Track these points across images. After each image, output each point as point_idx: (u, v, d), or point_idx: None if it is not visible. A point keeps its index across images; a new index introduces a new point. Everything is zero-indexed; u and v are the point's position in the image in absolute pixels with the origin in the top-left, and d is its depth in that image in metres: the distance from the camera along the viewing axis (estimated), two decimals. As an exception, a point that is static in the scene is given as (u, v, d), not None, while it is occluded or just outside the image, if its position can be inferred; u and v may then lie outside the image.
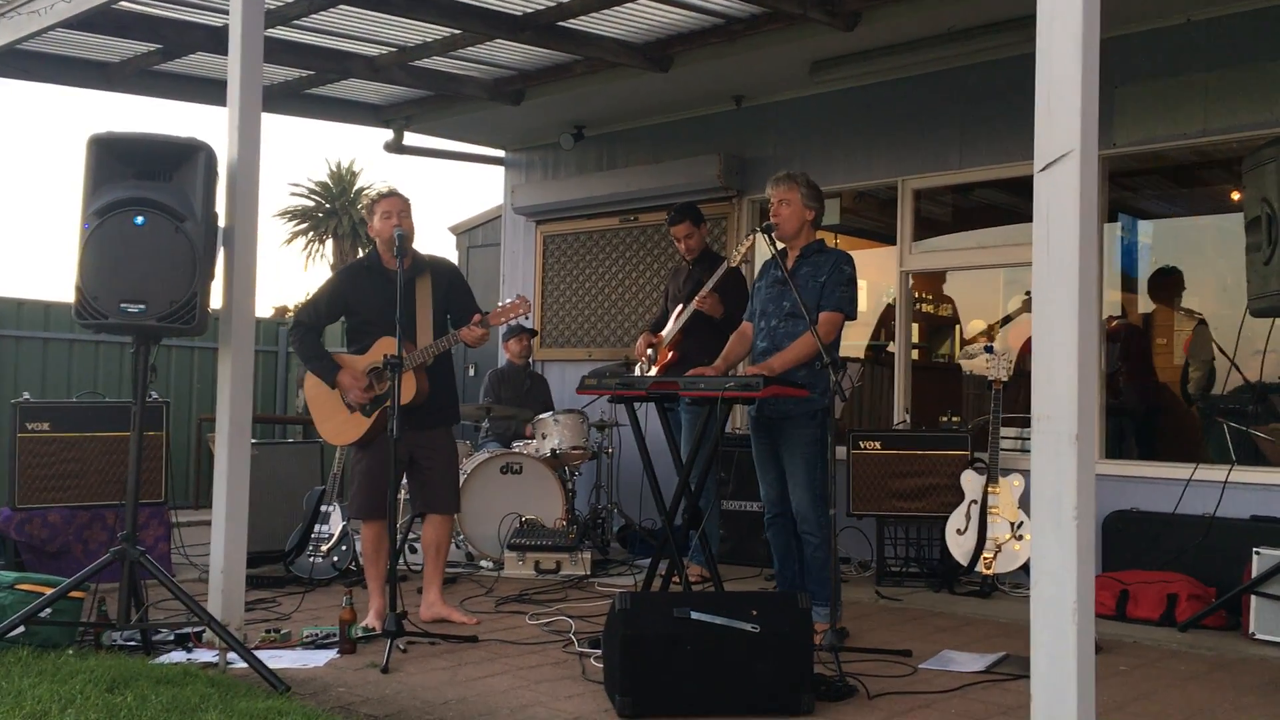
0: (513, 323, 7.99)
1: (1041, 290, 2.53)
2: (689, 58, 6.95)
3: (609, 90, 7.58)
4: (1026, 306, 7.81)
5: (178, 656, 4.28)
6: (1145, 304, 7.69)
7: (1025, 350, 7.11)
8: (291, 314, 5.07)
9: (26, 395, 6.23)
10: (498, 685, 4.00)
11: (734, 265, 5.91)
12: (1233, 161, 6.40)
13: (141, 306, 4.11)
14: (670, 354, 6.12)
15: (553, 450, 6.89)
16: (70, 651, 4.17)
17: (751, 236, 6.01)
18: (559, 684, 4.04)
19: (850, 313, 4.84)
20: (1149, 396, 7.14)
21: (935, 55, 6.56)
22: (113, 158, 4.23)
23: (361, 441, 5.02)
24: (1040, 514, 2.54)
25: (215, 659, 4.19)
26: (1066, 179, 2.44)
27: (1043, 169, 2.51)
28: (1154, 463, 6.19)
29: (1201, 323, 7.04)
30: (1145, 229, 8.33)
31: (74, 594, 4.33)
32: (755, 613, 3.70)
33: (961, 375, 8.86)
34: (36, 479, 5.89)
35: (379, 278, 5.05)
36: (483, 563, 6.65)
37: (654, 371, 6.03)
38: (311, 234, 43.71)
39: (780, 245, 4.87)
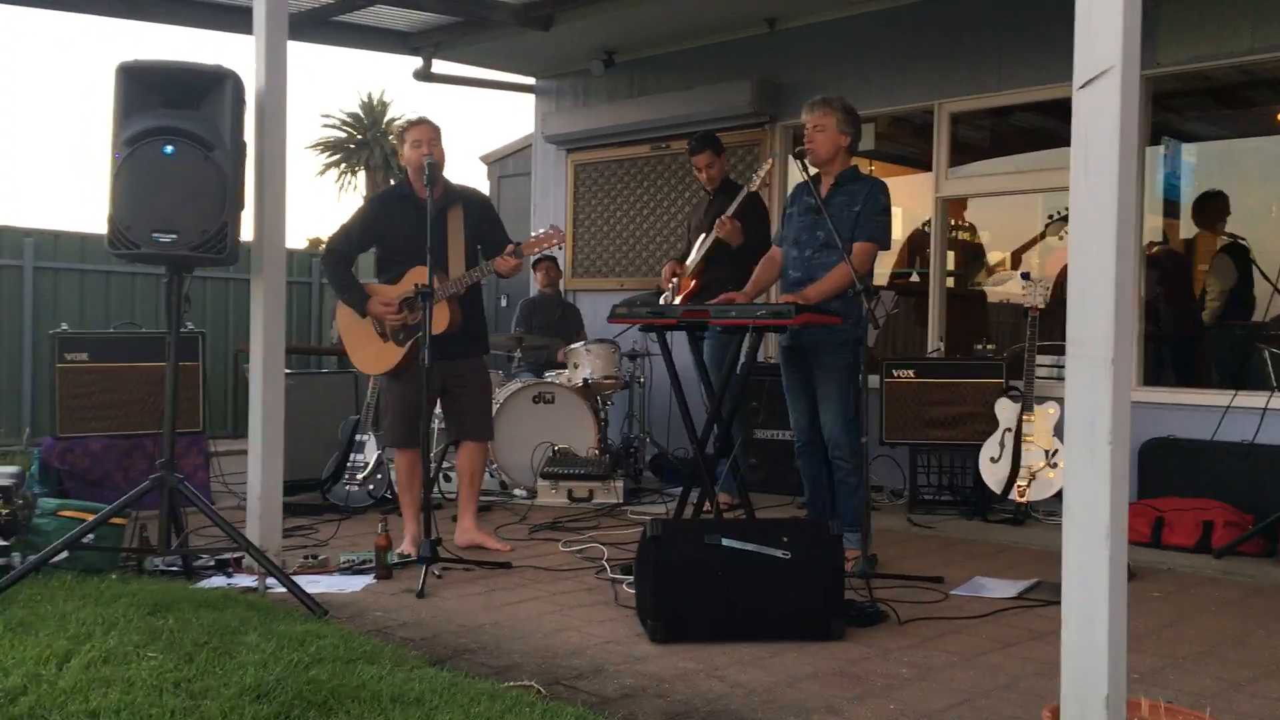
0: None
1: (1078, 211, 2.46)
2: (721, -21, 6.82)
3: (639, 14, 7.45)
4: (1055, 230, 7.69)
5: (218, 581, 4.37)
6: (1187, 229, 7.54)
7: (1063, 277, 7.01)
8: (324, 245, 5.07)
9: (65, 326, 6.30)
10: (531, 610, 4.05)
11: (753, 190, 5.84)
12: (1280, 81, 6.22)
13: (173, 236, 4.11)
14: (693, 283, 6.08)
15: (585, 380, 6.90)
16: (113, 576, 4.26)
17: (771, 160, 5.92)
18: (592, 609, 4.08)
19: (884, 242, 4.80)
20: (1189, 323, 7.03)
21: (974, -27, 6.40)
22: (141, 86, 4.20)
23: (395, 371, 5.04)
24: (1074, 440, 2.51)
25: (254, 584, 4.26)
26: (1106, 96, 2.36)
27: (1082, 86, 2.43)
28: (1192, 390, 6.11)
29: (1223, 250, 6.88)
30: (1189, 152, 8.15)
31: (115, 520, 4.40)
32: (786, 539, 3.71)
33: (995, 303, 8.77)
34: (77, 409, 5.98)
35: (410, 206, 5.02)
36: (516, 491, 6.71)
37: (678, 301, 6.00)
38: (344, 165, 43.69)
39: (814, 171, 4.80)
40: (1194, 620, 4.03)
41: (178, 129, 4.14)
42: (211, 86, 4.26)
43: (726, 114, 7.61)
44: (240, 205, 4.30)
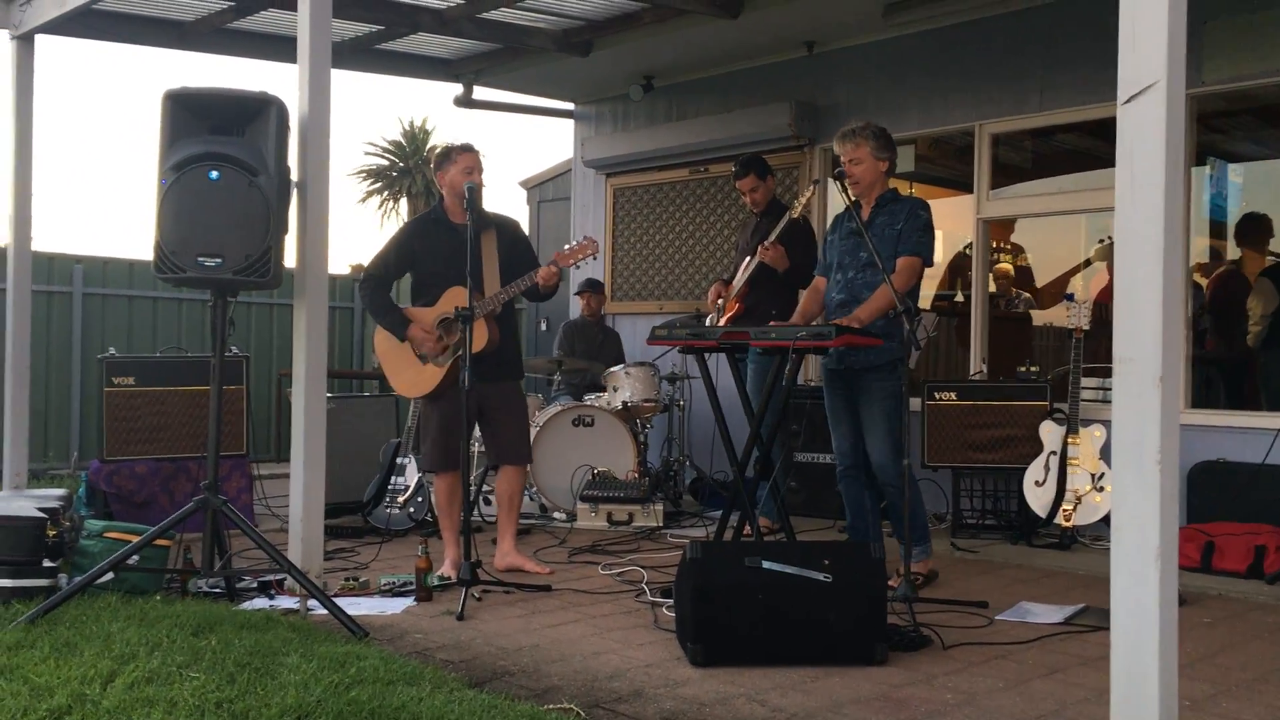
0: (584, 279, 8.01)
1: (1124, 226, 2.43)
2: (759, 3, 6.83)
3: (678, 39, 7.48)
4: (1102, 255, 7.60)
5: (260, 603, 4.39)
6: (1234, 250, 7.44)
7: (1104, 298, 6.92)
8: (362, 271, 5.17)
9: (112, 350, 6.39)
10: (571, 633, 4.03)
11: (795, 216, 5.82)
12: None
13: (218, 260, 4.16)
14: (737, 306, 6.07)
15: (624, 403, 6.90)
16: (157, 597, 4.29)
17: (813, 187, 5.91)
18: (631, 632, 4.06)
19: (928, 258, 4.77)
20: (1238, 345, 6.91)
21: (1014, -6, 6.36)
22: (187, 113, 4.27)
23: (432, 394, 5.06)
24: (1121, 460, 2.47)
25: (296, 606, 4.28)
26: (1151, 111, 2.33)
27: (1126, 101, 2.40)
28: (1242, 412, 6.01)
29: (1264, 273, 6.76)
30: (1235, 172, 8.04)
31: (160, 542, 4.44)
32: (828, 562, 3.67)
33: (1039, 326, 8.67)
34: (123, 432, 6.07)
35: (446, 230, 5.06)
36: (556, 514, 6.70)
37: (723, 323, 5.99)
38: (386, 193, 44.09)
39: (854, 195, 4.79)
40: (1246, 647, 3.94)
41: (223, 155, 4.20)
42: (256, 113, 4.32)
43: (766, 137, 7.60)
44: (284, 230, 4.35)
